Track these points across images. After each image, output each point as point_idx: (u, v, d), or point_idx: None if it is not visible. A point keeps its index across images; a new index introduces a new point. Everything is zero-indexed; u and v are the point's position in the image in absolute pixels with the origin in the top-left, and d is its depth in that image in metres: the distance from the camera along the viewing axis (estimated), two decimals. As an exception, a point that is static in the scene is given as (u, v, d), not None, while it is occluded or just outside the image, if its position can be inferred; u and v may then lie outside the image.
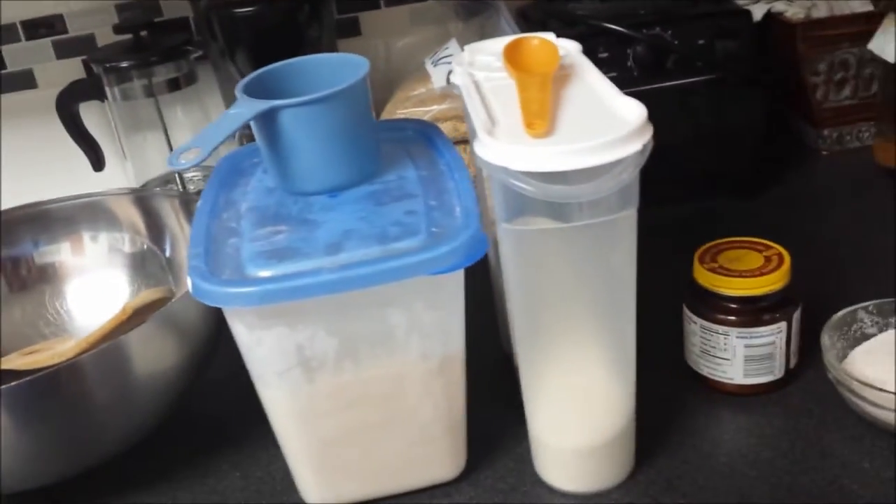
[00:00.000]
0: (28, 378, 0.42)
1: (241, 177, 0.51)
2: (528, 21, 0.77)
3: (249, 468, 0.50)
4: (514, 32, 0.71)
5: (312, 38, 0.73)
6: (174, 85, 0.79)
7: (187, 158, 0.42)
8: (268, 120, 0.45)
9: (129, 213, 0.58)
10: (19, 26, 0.83)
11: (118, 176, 0.84)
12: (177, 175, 0.82)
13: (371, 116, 0.48)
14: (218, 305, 0.39)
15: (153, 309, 0.46)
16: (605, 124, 0.38)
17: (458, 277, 0.41)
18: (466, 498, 0.46)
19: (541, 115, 0.39)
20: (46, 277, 0.58)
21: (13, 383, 0.43)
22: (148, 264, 0.58)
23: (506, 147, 0.37)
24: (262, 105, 0.44)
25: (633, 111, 0.38)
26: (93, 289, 0.59)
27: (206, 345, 0.49)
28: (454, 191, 0.45)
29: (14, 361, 0.55)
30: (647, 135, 0.37)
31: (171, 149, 0.84)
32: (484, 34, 0.78)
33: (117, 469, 0.50)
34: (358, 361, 0.42)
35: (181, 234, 0.56)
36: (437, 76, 0.75)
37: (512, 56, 0.46)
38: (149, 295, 0.45)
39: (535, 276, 0.41)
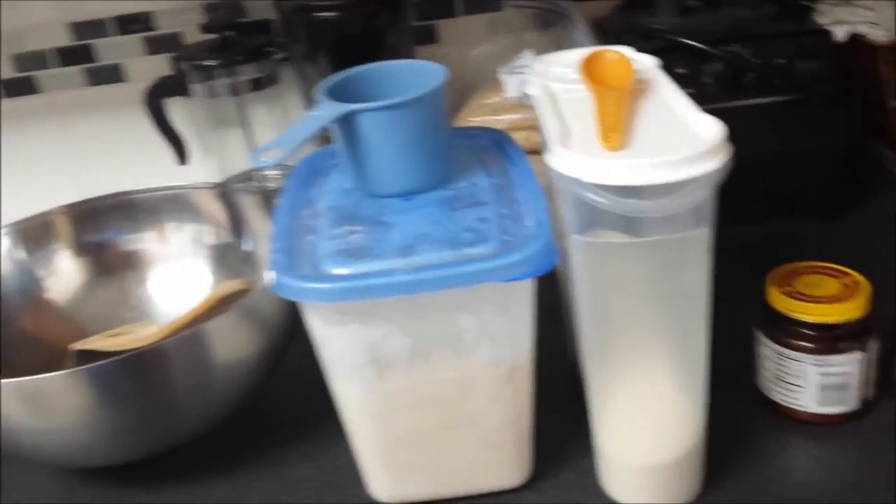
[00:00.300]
0: (116, 358, 0.44)
1: (319, 177, 0.53)
2: (604, 33, 0.78)
3: (319, 460, 0.52)
4: (590, 44, 0.71)
5: (390, 44, 0.75)
6: (257, 85, 0.82)
7: (269, 157, 0.44)
8: (348, 122, 0.46)
9: (213, 206, 0.60)
10: (111, 22, 0.86)
11: (197, 171, 0.86)
12: (257, 173, 0.84)
13: (446, 123, 0.49)
14: (295, 300, 0.41)
15: (236, 299, 0.48)
16: (681, 140, 0.38)
17: (529, 286, 0.42)
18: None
19: (616, 129, 0.39)
20: (130, 264, 0.61)
21: (101, 362, 0.45)
22: (227, 257, 0.60)
23: (580, 159, 0.38)
24: (343, 108, 0.45)
25: (710, 128, 0.38)
26: (174, 277, 0.61)
27: (282, 337, 0.51)
28: (525, 201, 0.46)
29: (96, 343, 0.57)
30: (725, 153, 0.37)
31: (250, 147, 0.87)
32: (559, 45, 0.79)
33: (193, 452, 0.52)
34: (429, 362, 0.43)
35: (261, 229, 0.58)
36: (510, 86, 0.76)
37: (589, 68, 0.46)
38: (234, 285, 0.47)
39: (605, 290, 0.41)
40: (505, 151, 0.52)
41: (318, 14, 0.72)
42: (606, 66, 0.47)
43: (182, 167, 0.86)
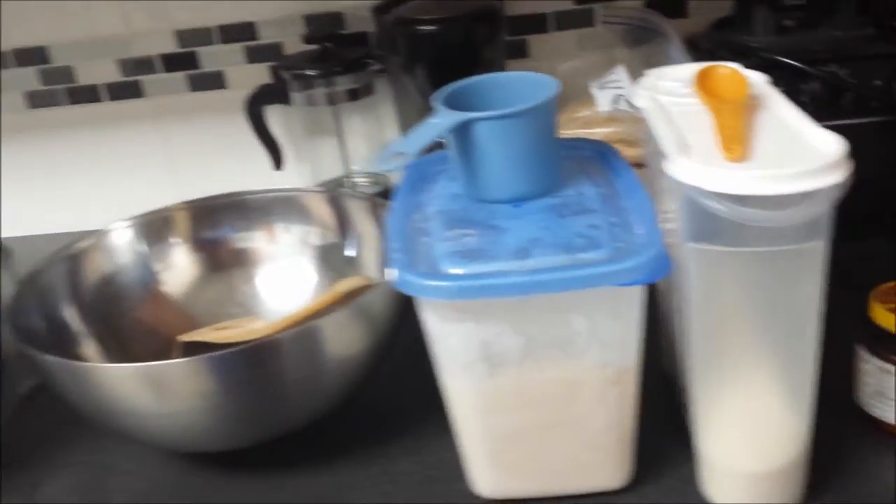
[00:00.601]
0: (236, 348, 0.47)
1: (427, 182, 0.55)
2: (698, 50, 0.78)
3: (421, 455, 0.54)
4: (685, 61, 0.72)
5: (486, 58, 0.77)
6: (353, 95, 0.85)
7: (391, 161, 0.46)
8: (464, 130, 0.48)
9: (321, 209, 0.63)
10: (216, 31, 0.90)
11: (291, 176, 0.89)
12: (348, 179, 0.87)
13: (555, 133, 0.50)
14: (418, 296, 0.43)
15: (358, 294, 0.50)
16: (801, 154, 0.39)
17: (640, 292, 0.43)
18: (631, 504, 0.48)
19: (737, 140, 0.40)
20: (239, 261, 0.64)
21: (222, 352, 0.47)
22: (332, 257, 0.62)
23: (703, 168, 0.39)
24: (461, 116, 0.47)
25: (830, 144, 0.39)
26: (280, 275, 0.64)
27: (389, 335, 0.53)
28: (633, 210, 0.47)
29: (205, 335, 0.60)
30: (846, 168, 0.38)
31: (343, 155, 0.89)
32: (650, 62, 0.80)
33: (299, 442, 0.55)
34: (539, 362, 0.45)
35: (367, 232, 0.60)
36: (602, 100, 0.78)
37: (703, 83, 0.47)
38: (358, 281, 0.49)
39: (717, 299, 0.42)
40: (608, 162, 0.53)
41: (419, 28, 0.74)
42: (719, 81, 0.48)
43: (277, 172, 0.89)
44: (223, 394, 0.49)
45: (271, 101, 0.87)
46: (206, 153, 0.95)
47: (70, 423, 0.61)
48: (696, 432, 0.47)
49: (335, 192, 0.63)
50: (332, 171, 0.90)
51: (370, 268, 0.60)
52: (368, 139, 0.90)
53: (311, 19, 0.88)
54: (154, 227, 0.64)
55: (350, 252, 0.62)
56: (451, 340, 0.45)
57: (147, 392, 0.49)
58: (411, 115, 0.86)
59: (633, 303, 0.44)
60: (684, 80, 0.50)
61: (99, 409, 0.51)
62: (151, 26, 0.89)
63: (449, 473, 0.52)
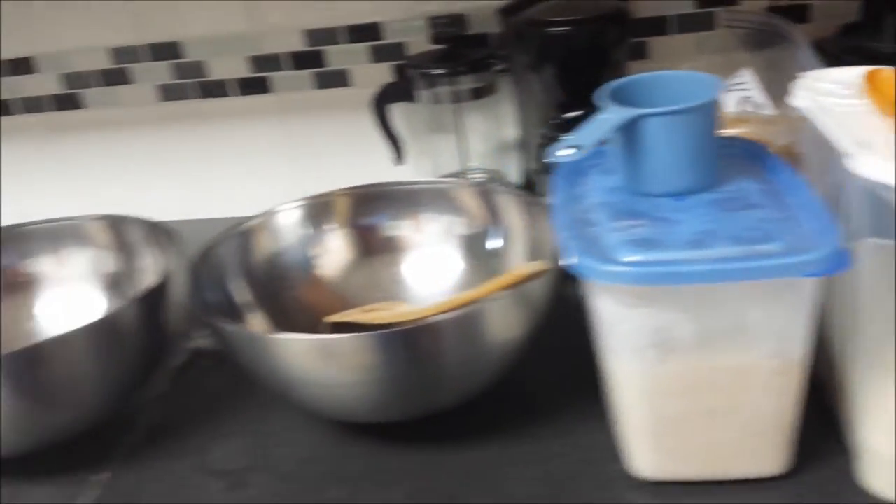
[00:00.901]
0: (406, 327, 0.50)
1: (580, 176, 0.57)
2: (824, 55, 0.79)
3: (573, 436, 0.56)
4: (816, 66, 0.73)
5: (614, 60, 0.79)
6: (477, 94, 0.87)
7: (566, 153, 0.49)
8: (631, 125, 0.50)
9: (468, 201, 0.66)
10: (342, 31, 0.93)
11: (407, 171, 0.92)
12: (465, 174, 0.90)
13: (717, 131, 0.52)
14: (599, 281, 0.45)
15: (530, 280, 0.52)
16: None
17: (814, 285, 0.45)
18: (792, 496, 0.49)
19: (921, 140, 0.42)
20: (388, 248, 0.67)
21: (391, 329, 0.50)
22: (475, 246, 0.65)
23: (887, 164, 0.41)
24: (633, 112, 0.49)
25: None
26: (426, 262, 0.67)
27: (544, 320, 0.55)
28: (799, 206, 0.48)
29: (355, 315, 0.63)
30: None
31: (462, 150, 0.92)
32: (773, 66, 0.81)
33: (452, 419, 0.57)
34: (710, 350, 0.47)
35: (514, 225, 0.63)
36: (728, 102, 0.79)
37: (871, 85, 0.49)
38: (535, 266, 0.51)
39: (890, 293, 0.44)
40: (762, 160, 0.55)
41: (550, 29, 0.76)
42: (884, 84, 0.49)
43: (396, 167, 0.93)
44: (388, 369, 0.52)
45: (397, 99, 0.90)
46: (328, 148, 0.99)
47: (231, 394, 0.65)
48: (857, 425, 0.48)
49: (485, 185, 0.65)
50: (449, 166, 0.93)
51: (517, 259, 0.62)
52: (486, 136, 0.93)
53: (435, 21, 0.91)
54: (316, 211, 0.67)
55: (496, 243, 0.65)
56: (625, 325, 0.47)
57: (319, 363, 0.52)
58: (531, 114, 0.88)
59: (806, 295, 0.45)
60: (844, 83, 0.52)
61: (274, 377, 0.54)
62: (281, 24, 0.93)
63: (602, 455, 0.54)
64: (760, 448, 0.50)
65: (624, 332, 0.47)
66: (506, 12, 0.86)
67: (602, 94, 0.52)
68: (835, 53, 0.78)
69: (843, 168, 0.45)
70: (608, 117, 0.50)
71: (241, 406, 0.64)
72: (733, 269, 0.44)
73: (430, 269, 0.66)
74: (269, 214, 0.66)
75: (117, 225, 0.68)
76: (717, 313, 0.46)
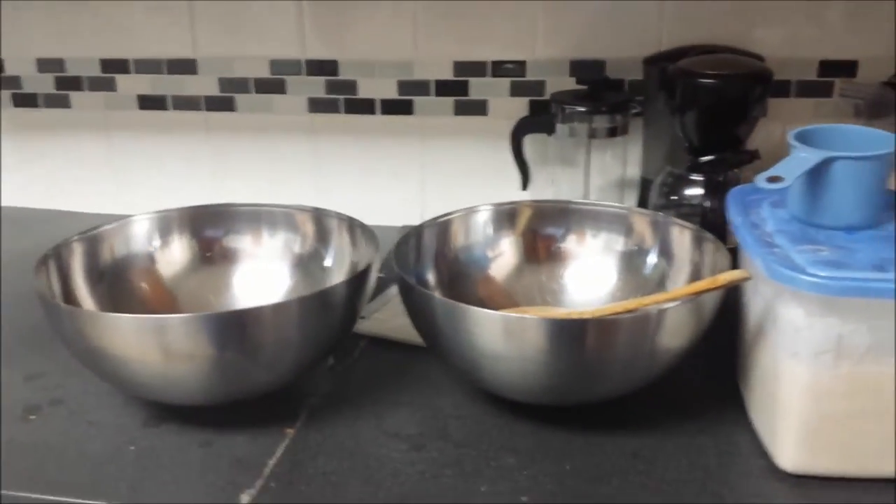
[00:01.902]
0: (576, 318, 0.59)
1: (748, 207, 0.65)
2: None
3: (716, 434, 0.64)
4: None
5: (751, 115, 0.88)
6: (611, 133, 0.96)
7: (772, 183, 0.57)
8: (821, 165, 0.59)
9: (641, 226, 0.75)
10: (489, 65, 1.03)
11: (526, 196, 1.01)
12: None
13: (890, 179, 0.61)
14: (799, 289, 0.53)
15: (733, 285, 0.60)
16: None
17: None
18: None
19: None
20: (554, 257, 0.76)
21: (569, 319, 0.59)
22: (634, 263, 0.74)
23: None
24: (827, 154, 0.58)
25: None
26: (586, 275, 0.75)
27: (707, 328, 0.63)
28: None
29: (532, 311, 0.71)
30: None
31: (585, 184, 1.01)
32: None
33: (610, 409, 0.65)
34: (878, 358, 0.54)
35: (679, 250, 0.72)
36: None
37: None
38: (737, 274, 0.59)
39: None
40: (912, 208, 0.63)
41: (700, 80, 0.85)
42: None
43: (522, 192, 1.01)
44: (556, 354, 0.59)
45: (535, 130, 0.99)
46: (457, 170, 1.08)
47: (406, 371, 0.73)
48: None
49: (659, 215, 0.74)
50: (570, 197, 1.01)
51: (680, 279, 0.71)
52: (607, 173, 1.01)
53: (574, 64, 1.01)
54: (501, 217, 0.76)
55: (652, 263, 0.73)
56: (809, 331, 0.55)
57: (507, 340, 0.60)
58: (657, 155, 0.97)
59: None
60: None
61: (460, 349, 0.62)
62: (434, 55, 1.03)
63: (745, 450, 0.62)
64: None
65: (808, 336, 0.55)
66: (649, 62, 0.95)
67: (793, 137, 0.61)
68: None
69: None
70: (807, 157, 0.59)
71: (414, 382, 0.72)
72: (913, 289, 0.52)
73: (589, 279, 0.75)
74: (467, 212, 0.75)
75: (321, 217, 0.77)
76: (888, 326, 0.54)
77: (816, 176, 0.59)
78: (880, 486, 0.58)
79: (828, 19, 0.95)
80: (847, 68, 0.96)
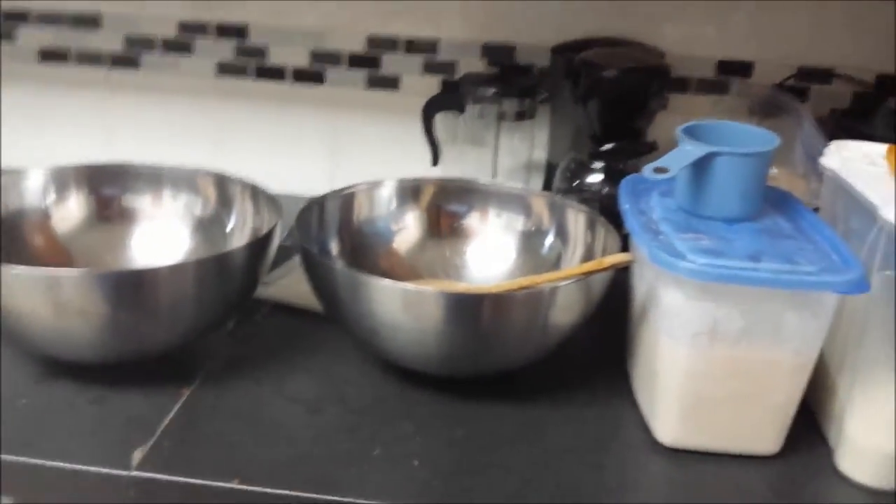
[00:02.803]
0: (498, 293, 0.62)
1: (639, 195, 0.69)
2: (822, 131, 0.94)
3: (602, 407, 0.67)
4: (819, 139, 0.88)
5: (650, 107, 0.92)
6: (519, 116, 0.99)
7: (657, 174, 0.60)
8: (704, 159, 0.62)
9: (540, 208, 0.78)
10: (402, 41, 1.04)
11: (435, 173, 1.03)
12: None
13: (766, 175, 0.65)
14: (679, 275, 0.57)
15: (615, 268, 0.63)
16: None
17: (836, 301, 0.58)
18: (781, 474, 0.61)
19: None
20: (459, 234, 0.78)
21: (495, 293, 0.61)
22: (532, 243, 0.77)
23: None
24: (711, 149, 0.62)
25: None
26: (487, 252, 0.78)
27: (596, 308, 0.66)
28: (823, 241, 0.61)
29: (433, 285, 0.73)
30: None
31: (493, 165, 1.03)
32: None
33: (503, 381, 0.68)
34: (751, 343, 0.59)
35: (573, 230, 0.75)
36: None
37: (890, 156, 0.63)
38: (621, 257, 0.62)
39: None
40: (789, 203, 0.68)
41: (603, 72, 0.88)
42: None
43: (431, 168, 1.03)
44: (462, 327, 0.62)
45: (445, 108, 1.01)
46: (367, 144, 1.08)
47: (306, 338, 0.74)
48: (844, 420, 0.61)
49: (557, 198, 0.77)
50: (478, 176, 1.04)
51: (573, 260, 0.74)
52: (515, 155, 1.04)
53: (486, 47, 1.03)
54: (405, 192, 0.77)
55: (549, 243, 0.76)
56: (686, 314, 0.58)
57: (407, 311, 0.61)
58: (563, 141, 1.00)
59: (829, 308, 0.58)
60: (866, 154, 0.66)
61: (362, 320, 0.64)
62: (347, 27, 1.03)
63: (628, 423, 0.66)
64: (766, 430, 0.62)
65: (685, 319, 0.59)
66: (556, 51, 0.98)
67: (680, 131, 0.64)
68: (830, 131, 0.93)
69: (867, 214, 0.58)
70: (692, 150, 0.62)
71: (314, 349, 0.73)
72: (784, 279, 0.56)
73: (492, 258, 0.77)
74: (372, 185, 0.76)
75: (224, 182, 0.77)
76: (761, 313, 0.58)
77: (701, 169, 0.63)
78: (751, 462, 0.62)
79: (728, 21, 1.00)
80: (743, 69, 1.02)
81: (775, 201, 0.68)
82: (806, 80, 1.01)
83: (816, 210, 0.69)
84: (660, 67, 0.90)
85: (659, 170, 0.61)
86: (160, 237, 0.77)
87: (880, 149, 0.65)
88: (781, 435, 0.62)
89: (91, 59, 1.08)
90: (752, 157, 0.62)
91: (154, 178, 0.77)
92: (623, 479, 0.61)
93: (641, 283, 0.65)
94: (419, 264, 0.77)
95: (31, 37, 1.08)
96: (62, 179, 0.77)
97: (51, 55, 1.09)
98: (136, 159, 0.79)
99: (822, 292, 0.57)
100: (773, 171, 0.89)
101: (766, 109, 0.99)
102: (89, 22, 1.07)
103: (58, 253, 0.75)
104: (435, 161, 1.03)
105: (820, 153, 0.68)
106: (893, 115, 0.90)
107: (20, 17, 1.07)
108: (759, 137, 0.65)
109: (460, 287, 0.73)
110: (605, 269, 0.62)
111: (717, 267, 0.57)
